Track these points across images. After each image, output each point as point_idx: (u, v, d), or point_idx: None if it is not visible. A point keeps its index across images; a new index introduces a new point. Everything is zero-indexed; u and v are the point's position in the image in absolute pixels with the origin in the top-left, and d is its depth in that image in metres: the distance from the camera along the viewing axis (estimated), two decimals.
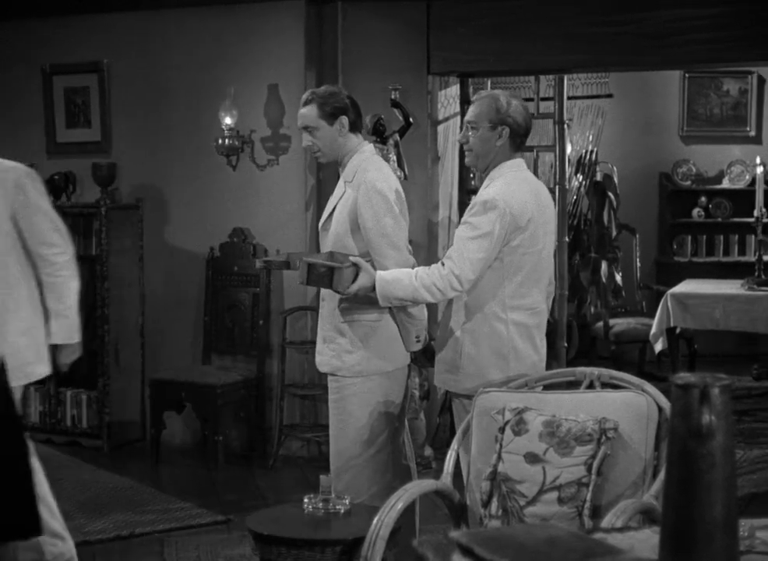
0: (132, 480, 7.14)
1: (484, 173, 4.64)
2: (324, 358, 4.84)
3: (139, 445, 8.08)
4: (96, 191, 8.00)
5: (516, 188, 4.48)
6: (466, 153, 4.69)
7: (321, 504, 4.41)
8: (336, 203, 4.80)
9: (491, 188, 4.50)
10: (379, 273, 4.52)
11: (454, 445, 4.36)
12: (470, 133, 4.59)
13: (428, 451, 7.44)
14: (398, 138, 7.43)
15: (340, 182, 4.84)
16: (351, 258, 4.60)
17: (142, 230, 8.13)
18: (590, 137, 10.72)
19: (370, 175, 4.70)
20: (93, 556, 5.79)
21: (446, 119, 7.94)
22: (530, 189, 4.55)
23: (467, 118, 4.67)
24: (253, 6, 7.74)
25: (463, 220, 4.52)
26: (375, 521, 3.73)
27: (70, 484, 7.01)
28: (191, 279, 8.02)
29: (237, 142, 7.69)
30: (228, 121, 7.65)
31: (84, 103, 8.30)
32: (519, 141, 4.58)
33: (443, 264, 4.42)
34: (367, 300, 4.61)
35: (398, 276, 4.50)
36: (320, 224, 4.93)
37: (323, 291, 4.83)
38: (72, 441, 8.01)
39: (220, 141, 7.68)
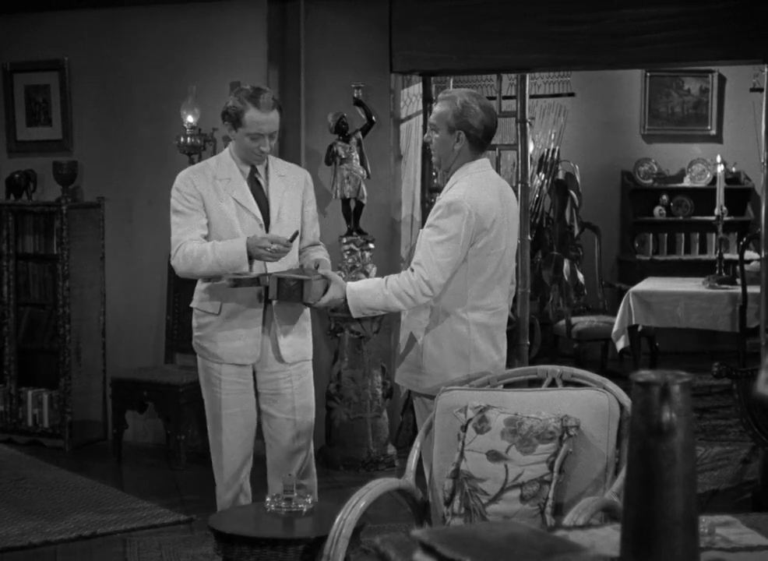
0: (94, 480, 7.10)
1: (448, 173, 4.64)
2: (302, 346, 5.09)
3: (100, 444, 8.04)
4: (57, 189, 7.95)
5: (480, 189, 4.47)
6: (431, 153, 4.70)
7: (283, 503, 4.41)
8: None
9: (455, 189, 4.49)
10: (349, 284, 4.54)
11: (416, 443, 4.36)
12: (432, 134, 4.60)
13: (390, 449, 7.44)
14: (360, 136, 7.44)
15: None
16: (320, 270, 4.64)
17: (104, 229, 8.10)
18: (552, 136, 10.76)
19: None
20: (55, 557, 5.77)
21: (409, 118, 7.94)
22: (494, 190, 4.55)
23: (429, 118, 4.68)
24: (215, 4, 7.72)
25: (428, 223, 4.51)
26: (337, 520, 3.73)
27: (31, 484, 6.98)
28: (153, 278, 7.99)
29: (199, 141, 7.67)
30: (190, 119, 7.62)
31: (45, 101, 8.25)
32: (479, 144, 4.55)
33: (412, 270, 4.42)
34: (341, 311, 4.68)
35: (367, 286, 4.50)
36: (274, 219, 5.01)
37: None
38: (34, 441, 7.96)
39: (182, 139, 7.65)
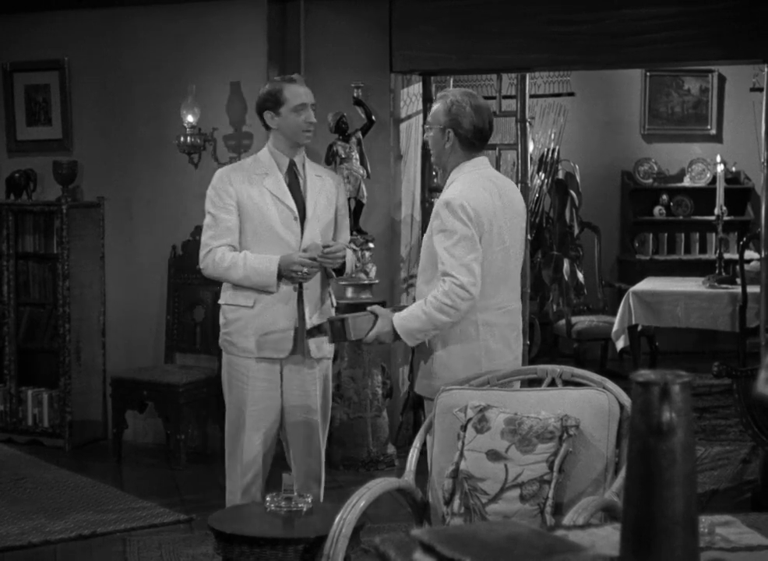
0: (94, 479, 7.10)
1: (446, 172, 4.64)
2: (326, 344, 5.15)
3: (100, 444, 8.04)
4: (57, 189, 7.95)
5: (474, 188, 4.45)
6: (430, 151, 4.71)
7: (283, 503, 4.40)
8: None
9: (450, 190, 4.48)
10: (395, 315, 4.52)
11: (416, 443, 4.36)
12: (428, 132, 4.62)
13: (390, 449, 7.44)
14: (360, 136, 7.44)
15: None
16: (369, 308, 4.65)
17: (104, 228, 8.10)
18: (552, 135, 10.76)
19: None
20: (55, 556, 5.77)
21: (409, 117, 7.94)
22: (490, 187, 4.52)
23: (427, 118, 4.70)
24: (215, 3, 7.72)
25: (435, 230, 4.47)
26: (337, 519, 3.73)
27: (31, 483, 6.98)
28: (153, 277, 7.99)
29: (199, 140, 7.67)
30: (190, 119, 7.62)
31: (45, 100, 8.25)
32: (469, 143, 4.52)
33: (444, 281, 4.39)
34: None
35: (411, 311, 4.48)
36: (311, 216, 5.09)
37: None
38: (34, 440, 7.96)
39: (182, 139, 7.65)
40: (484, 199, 4.43)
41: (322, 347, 5.14)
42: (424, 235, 4.62)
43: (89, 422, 8.06)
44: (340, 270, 5.13)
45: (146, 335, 8.04)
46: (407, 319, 4.45)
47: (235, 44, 7.69)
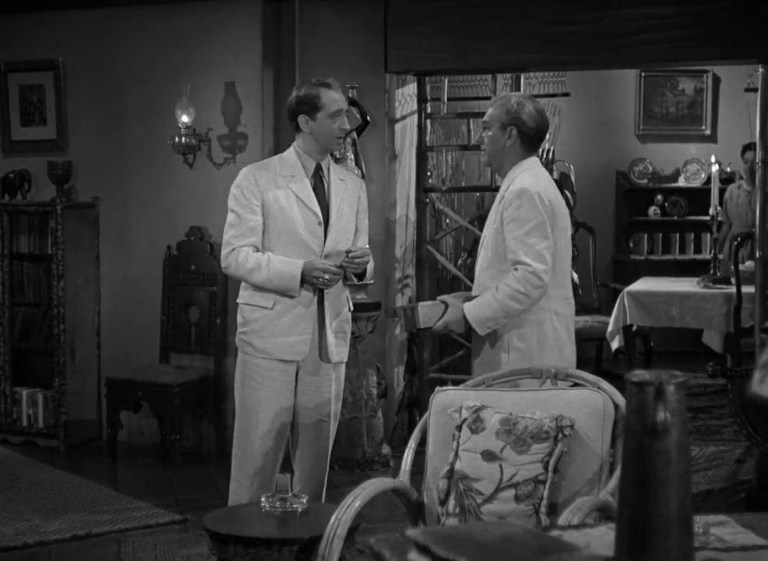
0: (89, 480, 7.09)
1: (501, 173, 4.71)
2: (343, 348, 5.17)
3: (95, 444, 8.03)
4: (51, 189, 7.95)
5: (542, 180, 4.58)
6: (482, 152, 4.79)
7: (278, 503, 4.40)
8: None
9: (519, 181, 4.55)
10: (465, 304, 4.55)
11: (411, 443, 4.36)
12: (484, 134, 4.68)
13: (385, 449, 7.44)
14: (355, 136, 7.43)
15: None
16: (439, 297, 4.72)
17: (99, 228, 8.09)
18: (547, 136, 10.74)
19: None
20: (50, 557, 5.77)
21: (404, 117, 7.94)
22: (552, 183, 4.68)
23: (483, 119, 4.77)
24: (210, 3, 7.72)
25: (506, 220, 4.52)
26: (332, 520, 3.73)
27: (26, 484, 6.97)
28: (148, 278, 7.98)
29: (194, 141, 7.66)
30: (185, 119, 7.62)
31: (39, 101, 8.24)
32: (530, 142, 4.64)
33: (516, 269, 4.43)
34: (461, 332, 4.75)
35: (481, 300, 4.54)
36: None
37: None
38: (28, 441, 7.96)
39: (176, 139, 7.64)
40: (553, 192, 4.54)
41: (341, 351, 5.15)
42: (488, 232, 4.64)
43: (84, 422, 8.06)
44: (361, 275, 5.12)
45: (140, 335, 8.02)
46: (478, 307, 4.51)
47: (230, 44, 7.69)
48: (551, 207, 4.51)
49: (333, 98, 4.99)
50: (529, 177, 4.58)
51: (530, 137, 4.62)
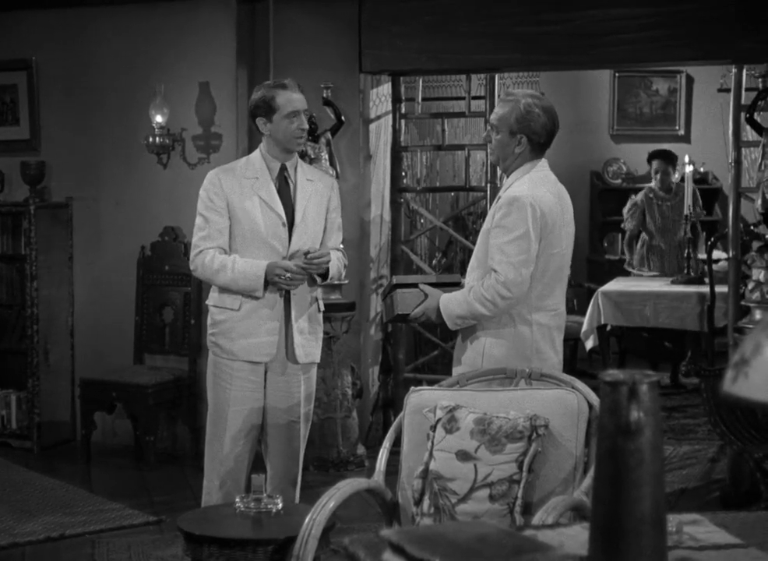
0: (63, 481, 7.07)
1: (506, 173, 4.67)
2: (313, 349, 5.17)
3: (69, 445, 8.00)
4: (24, 189, 7.92)
5: (541, 188, 4.49)
6: (489, 151, 4.72)
7: (253, 504, 4.40)
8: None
9: (516, 187, 4.49)
10: (442, 295, 4.54)
11: (386, 443, 4.36)
12: (492, 134, 4.61)
13: (360, 450, 7.44)
14: (330, 136, 7.44)
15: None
16: (420, 285, 4.68)
17: (72, 229, 8.06)
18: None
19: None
20: (23, 558, 5.74)
21: (378, 118, 7.94)
22: (554, 189, 4.58)
23: (491, 118, 4.69)
24: (184, 4, 7.70)
25: (494, 224, 4.49)
26: (306, 520, 3.73)
27: None
28: (121, 278, 7.95)
29: (167, 141, 7.65)
30: (159, 119, 7.60)
31: (12, 101, 8.20)
32: (540, 147, 4.56)
33: (489, 276, 4.41)
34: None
35: (455, 296, 4.52)
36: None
37: None
38: (2, 442, 7.92)
39: (150, 139, 7.62)
40: (549, 201, 4.47)
41: (310, 352, 5.16)
42: (482, 233, 4.61)
43: (57, 424, 8.02)
44: (324, 275, 5.12)
45: (114, 336, 8.00)
46: (452, 302, 4.50)
47: (204, 44, 7.67)
48: (544, 218, 4.42)
49: (289, 99, 5.02)
50: (527, 184, 4.50)
51: (539, 143, 4.54)
